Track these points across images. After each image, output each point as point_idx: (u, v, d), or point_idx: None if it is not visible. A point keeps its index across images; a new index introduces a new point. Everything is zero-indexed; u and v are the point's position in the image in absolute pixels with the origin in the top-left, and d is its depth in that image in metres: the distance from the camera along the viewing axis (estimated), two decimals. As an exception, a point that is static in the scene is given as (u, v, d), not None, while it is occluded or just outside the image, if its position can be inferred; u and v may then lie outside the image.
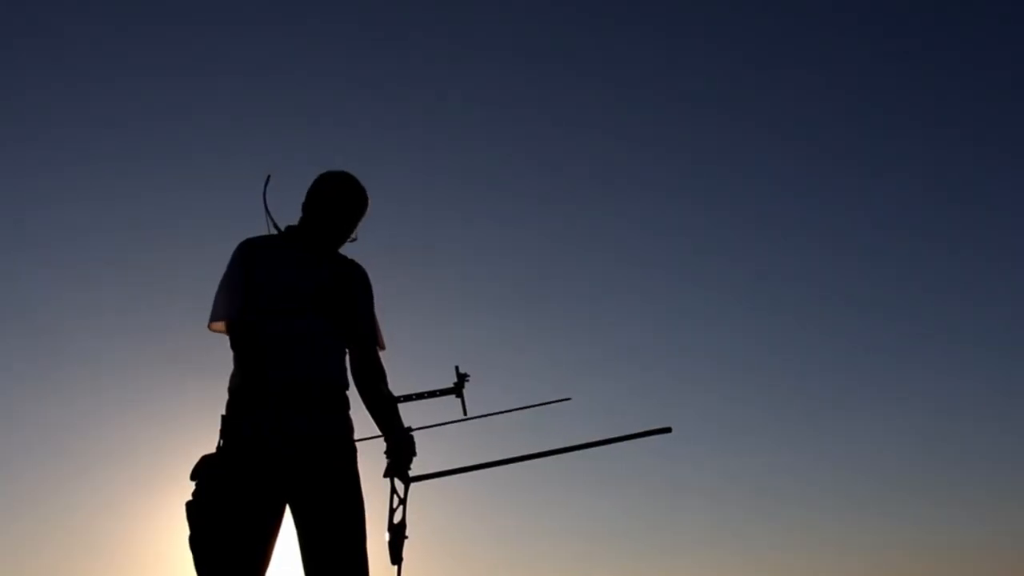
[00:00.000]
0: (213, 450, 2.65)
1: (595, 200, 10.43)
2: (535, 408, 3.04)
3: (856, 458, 10.16)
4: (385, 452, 2.75)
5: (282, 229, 2.86)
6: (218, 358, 2.77)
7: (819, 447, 10.20)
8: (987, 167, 10.84)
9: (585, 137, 10.43)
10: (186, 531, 2.55)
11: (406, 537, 2.69)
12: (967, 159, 10.85)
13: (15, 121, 8.89)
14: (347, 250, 2.90)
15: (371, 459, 2.79)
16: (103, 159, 9.02)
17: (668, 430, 2.81)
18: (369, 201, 2.87)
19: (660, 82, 10.38)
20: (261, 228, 2.87)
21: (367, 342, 2.83)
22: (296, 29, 9.39)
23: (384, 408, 2.79)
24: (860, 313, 10.80)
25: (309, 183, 2.88)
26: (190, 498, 2.56)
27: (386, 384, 2.84)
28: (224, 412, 2.68)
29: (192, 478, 2.59)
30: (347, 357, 2.82)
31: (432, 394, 2.88)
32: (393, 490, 2.75)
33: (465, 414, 2.86)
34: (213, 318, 2.73)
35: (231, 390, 2.69)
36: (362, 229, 2.89)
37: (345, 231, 2.83)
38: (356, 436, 2.76)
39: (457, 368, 2.90)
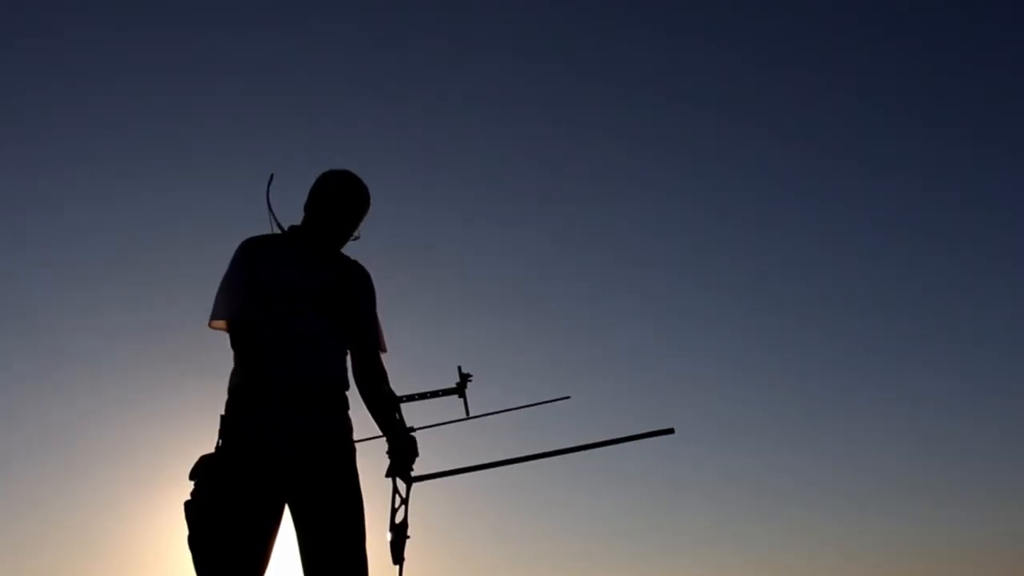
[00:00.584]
0: (212, 450, 2.64)
1: (595, 200, 10.44)
2: (535, 408, 3.04)
3: (856, 458, 10.17)
4: (387, 452, 2.75)
5: (285, 228, 2.86)
6: (218, 358, 2.77)
7: (819, 447, 10.21)
8: (987, 167, 10.85)
9: (585, 137, 10.43)
10: (186, 531, 2.54)
11: (408, 537, 2.68)
12: (967, 159, 10.86)
13: (15, 121, 8.90)
14: (350, 249, 2.90)
15: (371, 459, 2.80)
16: (103, 159, 9.03)
17: (671, 431, 2.81)
18: (371, 199, 2.87)
19: (660, 82, 10.38)
20: (261, 228, 2.87)
21: (369, 343, 2.83)
22: (296, 29, 9.40)
23: (386, 408, 2.79)
24: (860, 313, 10.81)
25: (310, 183, 2.88)
26: (188, 498, 2.56)
27: (388, 384, 2.84)
28: (223, 412, 2.68)
29: (191, 478, 2.59)
30: (348, 357, 2.82)
31: (435, 394, 2.88)
32: (395, 490, 2.75)
33: (468, 414, 2.86)
34: (214, 316, 2.72)
35: (231, 389, 2.69)
36: (363, 229, 2.89)
37: (347, 230, 2.82)
38: (356, 436, 2.76)
39: (460, 368, 2.91)
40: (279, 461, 2.58)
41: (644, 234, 10.65)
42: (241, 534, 2.51)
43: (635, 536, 9.50)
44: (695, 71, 10.50)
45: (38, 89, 8.95)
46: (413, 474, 2.73)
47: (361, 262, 2.93)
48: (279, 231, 2.86)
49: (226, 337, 2.74)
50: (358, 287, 2.84)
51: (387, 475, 2.74)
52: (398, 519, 2.71)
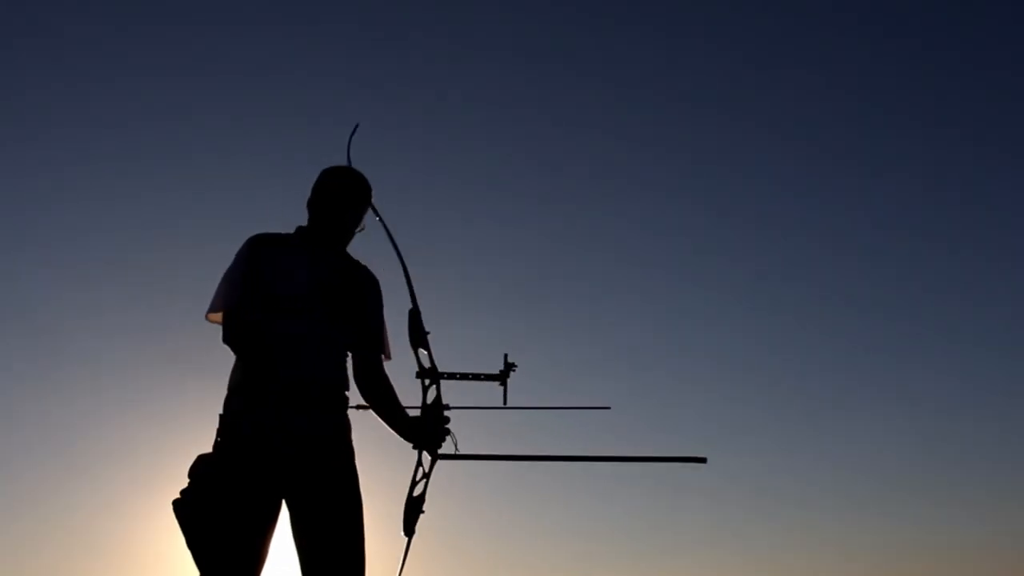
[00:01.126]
0: (211, 450, 2.64)
1: (595, 200, 10.44)
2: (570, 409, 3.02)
3: (856, 458, 10.16)
4: (415, 425, 2.76)
5: (293, 230, 2.85)
6: (218, 358, 2.77)
7: (819, 447, 10.21)
8: (987, 167, 10.85)
9: (585, 137, 10.44)
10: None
11: (423, 511, 2.68)
12: (967, 159, 10.86)
13: (15, 121, 8.90)
14: (356, 246, 2.90)
15: (373, 458, 2.80)
16: (103, 159, 9.03)
17: (703, 460, 2.84)
18: (372, 191, 2.87)
19: (660, 82, 10.38)
20: (261, 227, 2.87)
21: (371, 347, 2.83)
22: (296, 29, 9.40)
23: (391, 408, 2.81)
24: (860, 313, 10.80)
25: (310, 182, 2.88)
26: (177, 496, 2.56)
27: (391, 389, 2.84)
28: (222, 411, 2.68)
29: (190, 477, 2.59)
30: (348, 358, 2.82)
31: (476, 376, 2.85)
32: (419, 463, 2.75)
33: (505, 403, 2.84)
34: (211, 309, 2.73)
35: (231, 388, 2.69)
36: (369, 222, 2.90)
37: (351, 223, 2.83)
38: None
39: (506, 356, 2.88)
40: (277, 460, 2.58)
41: (644, 234, 10.65)
42: (238, 532, 2.52)
43: (634, 536, 9.50)
44: (695, 71, 10.51)
45: (38, 89, 8.96)
46: (440, 451, 2.74)
47: (360, 261, 2.93)
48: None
49: (225, 334, 2.74)
50: (365, 290, 2.84)
51: (414, 447, 2.75)
52: (416, 492, 2.70)
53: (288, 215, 2.89)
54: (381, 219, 2.96)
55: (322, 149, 2.89)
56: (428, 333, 2.85)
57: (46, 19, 8.80)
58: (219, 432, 2.66)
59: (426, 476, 2.74)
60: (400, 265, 2.91)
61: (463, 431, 2.78)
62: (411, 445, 2.79)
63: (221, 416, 2.68)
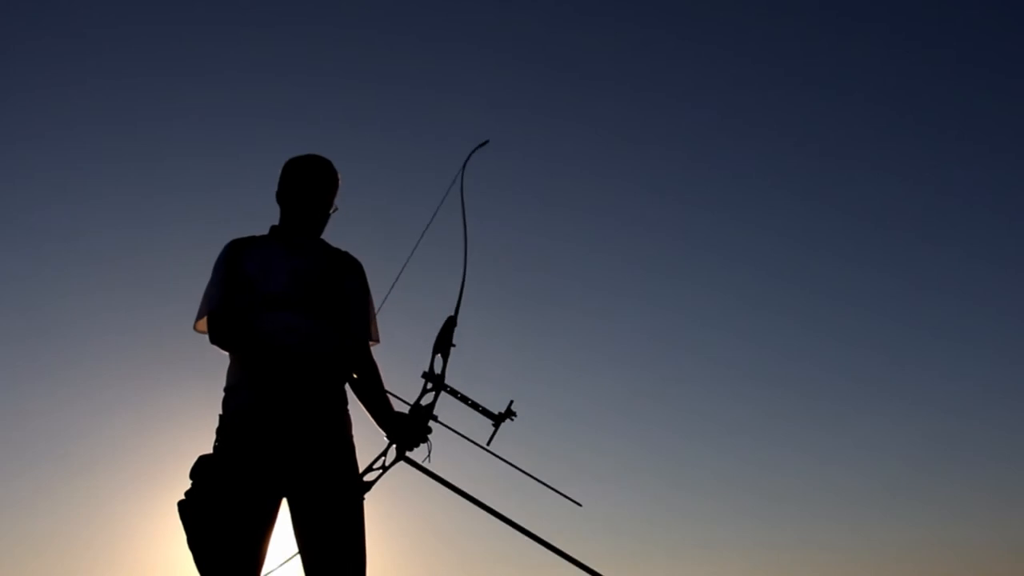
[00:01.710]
0: (211, 450, 2.65)
1: (596, 200, 10.44)
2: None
3: (856, 458, 10.17)
4: (396, 418, 2.76)
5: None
6: (217, 358, 2.78)
7: (819, 447, 10.21)
8: (987, 167, 10.84)
9: (584, 136, 10.43)
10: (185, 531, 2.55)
11: (363, 498, 2.67)
12: (967, 159, 10.85)
13: (15, 121, 8.90)
14: (352, 238, 2.91)
15: (372, 457, 2.79)
16: (103, 159, 9.03)
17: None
18: (337, 172, 2.87)
19: (661, 82, 10.38)
20: (262, 227, 2.88)
21: (357, 330, 2.82)
22: (296, 29, 9.40)
23: (379, 401, 2.81)
24: (861, 313, 10.81)
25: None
26: (182, 497, 2.57)
27: (376, 374, 2.84)
28: (221, 411, 2.69)
29: (191, 478, 2.60)
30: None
31: (476, 406, 2.85)
32: (383, 453, 2.75)
33: (488, 444, 2.84)
34: (198, 317, 2.76)
35: (227, 388, 2.71)
36: (342, 201, 2.90)
37: (321, 207, 2.83)
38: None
39: (511, 402, 2.87)
40: (276, 457, 2.59)
41: (644, 234, 10.65)
42: (238, 532, 2.52)
43: (634, 536, 9.50)
44: (696, 71, 10.51)
45: (38, 89, 8.96)
46: (409, 454, 2.74)
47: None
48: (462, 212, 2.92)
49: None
50: (348, 280, 2.83)
51: (387, 438, 2.76)
52: (367, 478, 2.71)
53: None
54: (465, 227, 2.98)
55: (322, 149, 2.89)
56: (454, 346, 2.86)
57: (46, 19, 8.81)
58: (218, 432, 2.67)
59: (384, 469, 2.74)
60: (462, 272, 2.93)
61: (441, 448, 2.78)
62: (384, 435, 2.78)
63: (220, 416, 2.69)
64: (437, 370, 2.83)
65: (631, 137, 10.44)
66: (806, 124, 10.81)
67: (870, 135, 10.82)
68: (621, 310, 10.57)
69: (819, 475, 10.03)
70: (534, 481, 2.88)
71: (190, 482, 2.58)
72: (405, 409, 2.81)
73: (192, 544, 2.52)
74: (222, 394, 2.73)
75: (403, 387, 2.88)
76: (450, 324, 2.86)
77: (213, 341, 2.72)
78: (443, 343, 2.84)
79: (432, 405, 2.80)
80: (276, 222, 2.88)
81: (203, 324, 2.75)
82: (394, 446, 2.76)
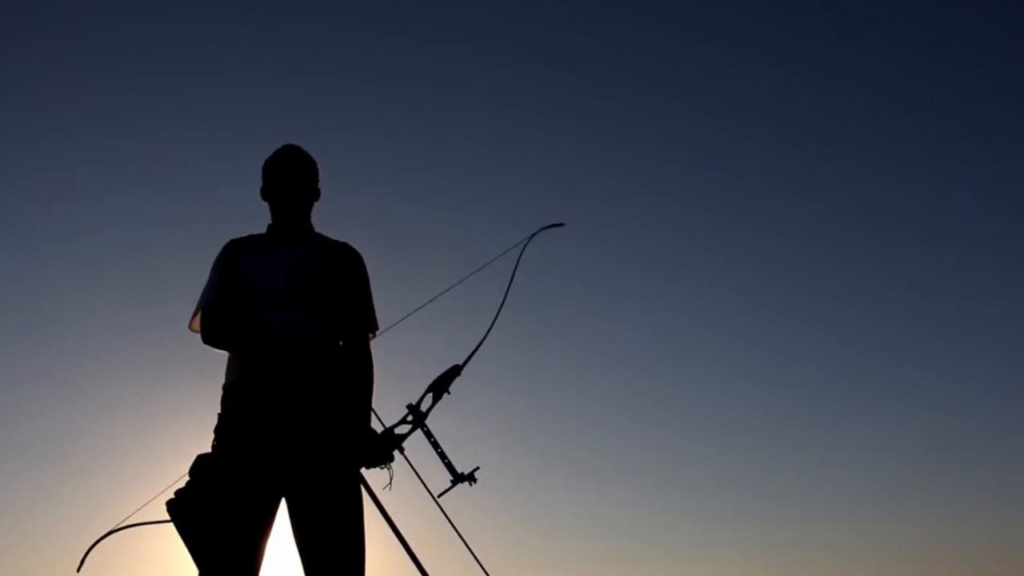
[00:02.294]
0: (210, 450, 2.65)
1: (596, 200, 10.43)
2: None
3: (856, 458, 10.17)
4: (362, 434, 2.69)
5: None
6: (217, 358, 2.78)
7: (819, 447, 10.21)
8: (987, 167, 10.84)
9: (584, 136, 10.43)
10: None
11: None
12: (967, 159, 10.86)
13: (15, 121, 8.90)
14: (351, 231, 2.90)
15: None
16: (103, 159, 9.03)
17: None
18: (310, 157, 2.86)
19: (661, 82, 10.38)
20: (262, 228, 2.88)
21: (356, 336, 2.78)
22: (296, 29, 9.40)
23: (360, 405, 2.72)
24: (861, 313, 10.81)
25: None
26: (172, 496, 2.56)
27: (370, 377, 2.76)
28: (220, 411, 2.70)
29: (190, 476, 2.59)
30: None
31: (444, 457, 2.82)
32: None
33: (438, 497, 2.82)
34: (192, 316, 2.76)
35: (225, 387, 2.71)
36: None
37: (301, 193, 2.82)
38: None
39: (477, 468, 2.82)
40: (274, 457, 2.59)
41: (644, 234, 10.65)
42: (237, 531, 2.52)
43: (634, 535, 9.50)
44: (696, 71, 10.51)
45: (38, 89, 8.96)
46: (365, 471, 2.70)
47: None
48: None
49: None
50: (344, 274, 2.79)
51: (349, 444, 2.68)
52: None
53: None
54: (506, 296, 3.00)
55: (322, 149, 2.89)
56: (448, 393, 2.85)
57: (46, 20, 8.81)
58: (217, 432, 2.67)
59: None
60: (486, 330, 2.95)
61: (398, 475, 2.76)
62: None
63: (219, 415, 2.69)
64: (423, 408, 2.83)
65: (631, 137, 10.45)
66: (806, 124, 10.82)
67: (870, 135, 10.83)
68: (621, 310, 10.58)
69: (819, 475, 10.04)
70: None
71: (186, 481, 2.58)
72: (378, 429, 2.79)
73: (188, 543, 2.52)
74: (221, 393, 2.72)
75: (384, 410, 2.86)
76: (453, 372, 2.86)
77: (205, 340, 2.72)
78: (440, 386, 2.84)
79: (403, 437, 2.79)
80: (270, 221, 2.88)
81: (197, 323, 2.76)
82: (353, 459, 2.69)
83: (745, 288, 10.73)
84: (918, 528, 9.68)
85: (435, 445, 2.81)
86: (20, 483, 8.29)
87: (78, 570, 2.80)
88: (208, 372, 2.82)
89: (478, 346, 2.92)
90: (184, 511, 2.53)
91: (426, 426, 2.80)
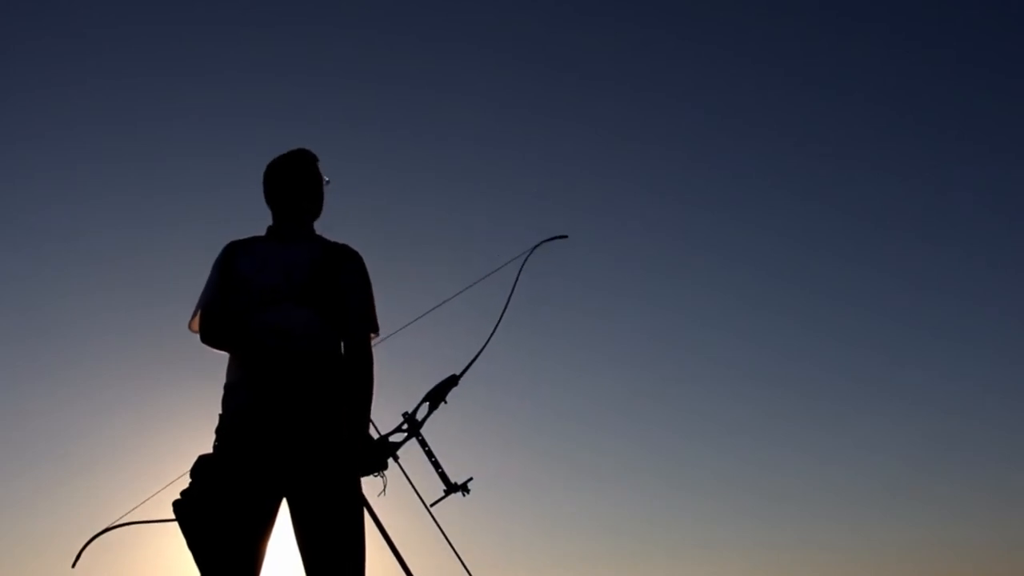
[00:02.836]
0: (211, 450, 2.65)
1: (596, 200, 10.43)
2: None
3: (856, 458, 10.17)
4: (363, 439, 2.67)
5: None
6: (217, 357, 2.78)
7: (819, 447, 10.21)
8: (987, 167, 10.84)
9: (585, 136, 10.43)
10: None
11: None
12: (967, 159, 10.85)
13: (15, 121, 8.90)
14: (350, 230, 2.91)
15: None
16: (103, 159, 9.03)
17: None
18: (311, 162, 2.87)
19: (661, 82, 10.38)
20: (262, 228, 2.88)
21: (356, 336, 2.76)
22: (296, 29, 9.40)
23: (359, 407, 2.70)
24: (861, 313, 10.81)
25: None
26: (178, 497, 2.56)
27: (371, 378, 2.73)
28: (221, 411, 2.70)
29: (191, 477, 2.60)
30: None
31: (437, 467, 2.82)
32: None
33: (430, 507, 2.81)
34: (192, 317, 2.77)
35: (226, 387, 2.71)
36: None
37: (309, 199, 2.84)
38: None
39: (470, 479, 2.82)
40: (275, 458, 2.59)
41: (644, 234, 10.65)
42: (238, 532, 2.53)
43: (634, 535, 9.50)
44: (696, 71, 10.50)
45: (38, 89, 8.96)
46: (363, 477, 2.68)
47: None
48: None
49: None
50: (345, 275, 2.78)
51: (345, 450, 2.67)
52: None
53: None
54: (506, 306, 3.01)
55: (322, 149, 2.89)
56: (445, 403, 2.85)
57: (47, 20, 8.81)
58: (218, 432, 2.67)
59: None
60: (485, 341, 2.96)
61: (391, 483, 2.74)
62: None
63: (220, 416, 2.69)
64: (419, 417, 2.82)
65: (631, 137, 10.45)
66: (806, 124, 10.82)
67: (870, 135, 10.83)
68: (621, 310, 10.58)
69: (819, 475, 10.04)
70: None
71: (189, 482, 2.59)
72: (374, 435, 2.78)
73: (191, 543, 2.52)
74: (222, 393, 2.72)
75: (380, 417, 2.85)
76: (451, 382, 2.85)
77: (203, 340, 2.73)
78: (436, 395, 2.84)
79: (398, 445, 2.79)
80: (271, 223, 2.89)
81: (197, 324, 2.76)
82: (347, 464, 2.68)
83: (745, 288, 10.74)
84: (918, 528, 9.69)
85: (429, 454, 2.81)
86: (20, 483, 8.29)
87: (73, 566, 2.80)
88: (208, 372, 2.82)
89: (475, 357, 2.91)
90: (188, 511, 2.54)
91: (421, 435, 2.80)
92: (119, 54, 9.07)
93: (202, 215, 8.60)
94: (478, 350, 2.93)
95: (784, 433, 10.25)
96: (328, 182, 2.90)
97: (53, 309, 8.81)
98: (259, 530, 2.56)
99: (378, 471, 2.68)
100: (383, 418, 2.85)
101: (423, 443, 2.80)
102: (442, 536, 2.80)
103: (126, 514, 2.83)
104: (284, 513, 2.63)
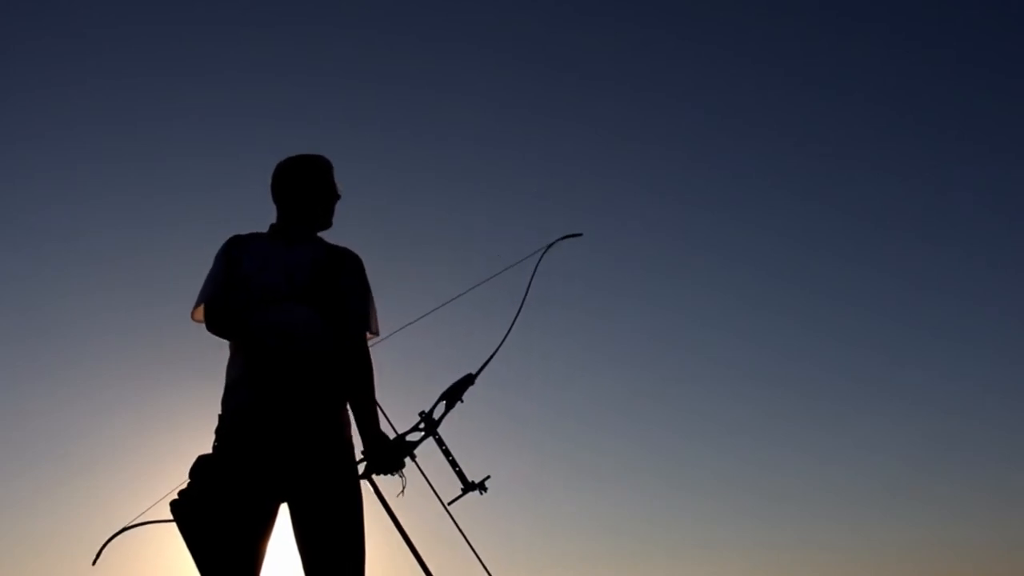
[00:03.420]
0: (210, 450, 2.65)
1: (596, 200, 10.43)
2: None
3: (856, 458, 10.17)
4: (377, 437, 2.67)
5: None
6: (218, 357, 2.78)
7: (819, 447, 10.21)
8: (987, 167, 10.85)
9: (585, 136, 10.43)
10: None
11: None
12: (967, 159, 10.86)
13: (15, 121, 8.89)
14: (348, 231, 2.91)
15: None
16: (103, 159, 9.02)
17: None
18: (327, 166, 2.88)
19: (661, 82, 10.38)
20: (262, 228, 2.88)
21: (354, 337, 2.76)
22: (296, 29, 9.39)
23: (364, 406, 2.69)
24: (861, 313, 10.82)
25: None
26: (175, 497, 2.56)
27: (370, 378, 2.73)
28: (220, 411, 2.69)
29: (190, 477, 2.59)
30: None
31: (455, 465, 2.81)
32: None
33: (448, 505, 2.80)
34: (195, 305, 2.77)
35: (227, 386, 2.71)
36: (343, 202, 2.91)
37: (320, 204, 2.85)
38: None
39: (488, 477, 2.80)
40: (275, 458, 2.59)
41: (644, 234, 10.65)
42: (237, 532, 2.52)
43: (634, 535, 9.50)
44: (696, 71, 10.50)
45: (38, 89, 8.95)
46: (375, 476, 2.69)
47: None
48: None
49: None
50: (344, 276, 2.79)
51: (362, 452, 2.69)
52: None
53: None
54: (521, 306, 3.00)
55: (322, 149, 2.89)
56: (461, 402, 2.84)
57: (47, 19, 8.79)
58: (218, 432, 2.67)
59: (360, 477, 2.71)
60: (500, 340, 2.94)
61: (409, 482, 2.74)
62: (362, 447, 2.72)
63: (220, 416, 2.68)
64: (436, 415, 2.82)
65: (631, 137, 10.45)
66: (806, 124, 10.82)
67: (870, 135, 10.84)
68: (621, 310, 10.58)
69: (819, 475, 10.04)
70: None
71: (188, 482, 2.58)
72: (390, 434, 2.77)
73: (189, 544, 2.52)
74: (222, 393, 2.72)
75: (396, 416, 2.85)
76: (467, 381, 2.85)
77: (210, 329, 2.73)
78: (453, 394, 2.83)
79: (415, 444, 2.78)
80: (275, 220, 2.88)
81: (199, 313, 2.76)
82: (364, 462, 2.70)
83: (745, 288, 10.74)
84: (918, 528, 9.69)
85: (446, 453, 2.81)
86: (20, 483, 8.29)
87: (93, 563, 2.81)
88: (208, 372, 2.82)
89: (492, 356, 2.91)
90: (186, 512, 2.53)
91: (438, 434, 2.80)
92: (119, 54, 9.07)
93: (202, 215, 8.59)
94: (493, 348, 2.93)
95: (784, 433, 10.26)
96: (339, 198, 2.90)
97: (53, 309, 8.81)
98: (259, 531, 2.56)
99: (396, 470, 2.68)
100: (399, 417, 2.85)
101: (440, 442, 2.80)
102: (456, 535, 2.80)
103: (146, 511, 2.83)
104: (284, 513, 2.63)
